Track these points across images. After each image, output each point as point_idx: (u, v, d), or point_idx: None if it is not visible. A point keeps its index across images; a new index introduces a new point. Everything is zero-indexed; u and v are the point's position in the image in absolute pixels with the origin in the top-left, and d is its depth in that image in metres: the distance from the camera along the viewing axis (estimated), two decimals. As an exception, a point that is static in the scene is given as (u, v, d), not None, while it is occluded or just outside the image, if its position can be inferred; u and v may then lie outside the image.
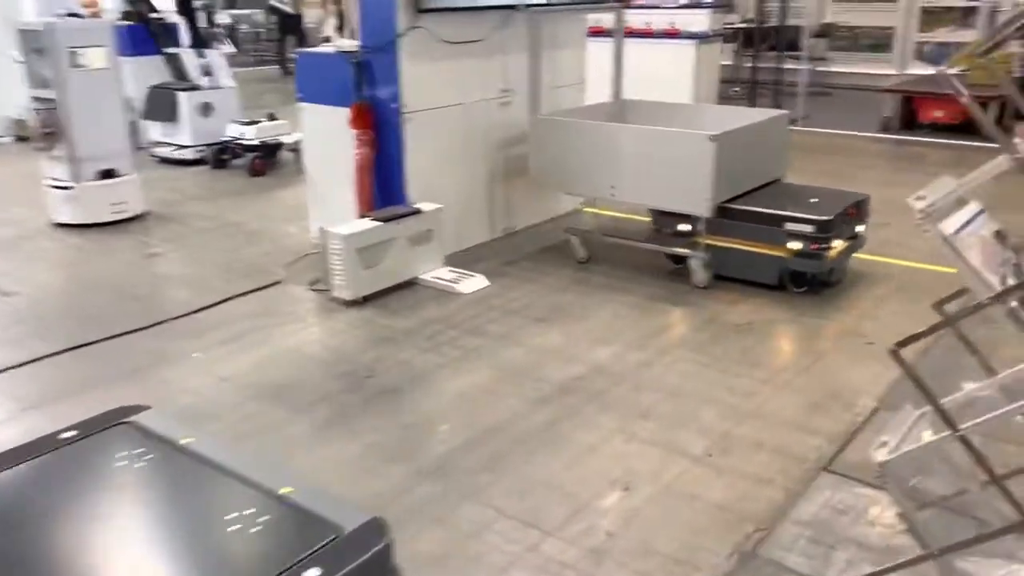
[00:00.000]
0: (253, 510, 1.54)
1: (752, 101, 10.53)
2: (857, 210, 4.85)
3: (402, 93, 5.09)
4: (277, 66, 15.67)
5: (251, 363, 4.11)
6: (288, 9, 15.77)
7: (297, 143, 7.41)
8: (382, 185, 5.28)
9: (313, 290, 4.98)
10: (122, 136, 6.48)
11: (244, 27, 17.93)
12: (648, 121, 5.50)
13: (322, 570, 1.36)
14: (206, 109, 8.30)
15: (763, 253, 4.73)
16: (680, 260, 5.04)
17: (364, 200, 5.23)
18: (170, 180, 7.80)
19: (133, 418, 1.86)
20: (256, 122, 8.11)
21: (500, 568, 2.66)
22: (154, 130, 8.56)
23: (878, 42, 12.33)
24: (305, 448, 3.38)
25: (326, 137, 5.45)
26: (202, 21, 8.63)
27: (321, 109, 5.47)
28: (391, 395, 3.78)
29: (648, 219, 5.44)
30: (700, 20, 9.28)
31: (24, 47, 6.17)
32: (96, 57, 6.09)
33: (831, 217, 4.57)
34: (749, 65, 10.92)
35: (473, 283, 5.01)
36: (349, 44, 5.38)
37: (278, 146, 8.14)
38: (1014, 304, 1.81)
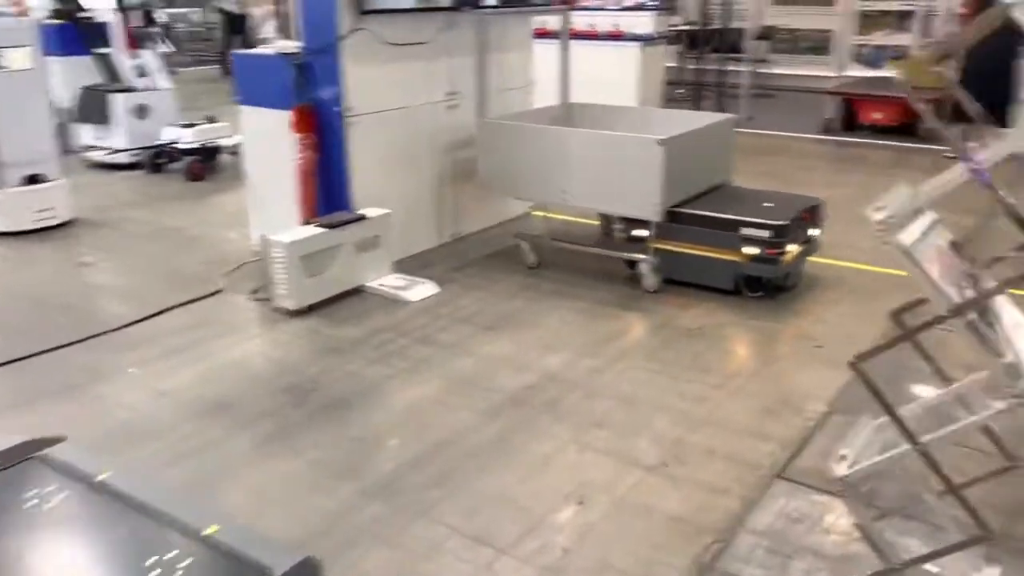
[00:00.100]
0: (175, 553, 1.43)
1: (696, 103, 10.61)
2: (811, 214, 4.88)
3: (345, 96, 4.96)
4: (218, 66, 15.33)
5: (191, 377, 3.95)
6: (234, 10, 15.46)
7: (237, 146, 7.20)
8: (326, 190, 5.14)
9: (255, 299, 4.82)
10: (48, 140, 6.24)
11: (181, 26, 17.50)
12: (596, 124, 5.47)
13: (250, 618, 1.27)
14: (141, 111, 8.01)
15: (718, 258, 4.72)
16: (634, 264, 5.01)
17: (307, 206, 5.09)
18: (103, 185, 7.51)
19: (45, 451, 1.72)
20: (194, 124, 7.87)
21: (453, 590, 2.58)
22: (86, 133, 8.23)
23: (817, 44, 12.54)
24: (247, 466, 3.25)
25: (267, 141, 5.29)
26: (138, 20, 8.33)
27: (261, 112, 5.30)
28: (338, 408, 3.67)
29: (598, 223, 5.40)
30: (644, 22, 9.29)
31: (-57, 47, 5.87)
32: (19, 57, 5.83)
33: (787, 222, 4.57)
34: (693, 67, 11.01)
35: (422, 290, 4.91)
36: (290, 45, 5.24)
37: (217, 149, 7.90)
38: (972, 317, 1.79)
